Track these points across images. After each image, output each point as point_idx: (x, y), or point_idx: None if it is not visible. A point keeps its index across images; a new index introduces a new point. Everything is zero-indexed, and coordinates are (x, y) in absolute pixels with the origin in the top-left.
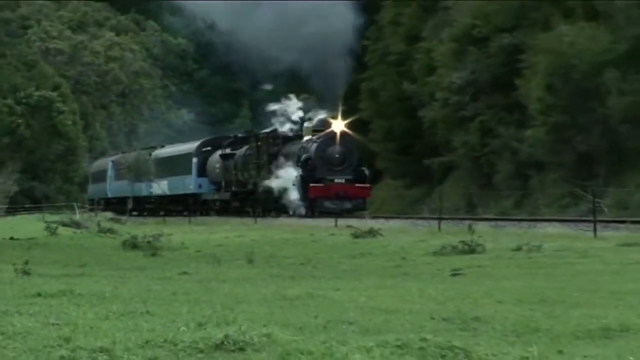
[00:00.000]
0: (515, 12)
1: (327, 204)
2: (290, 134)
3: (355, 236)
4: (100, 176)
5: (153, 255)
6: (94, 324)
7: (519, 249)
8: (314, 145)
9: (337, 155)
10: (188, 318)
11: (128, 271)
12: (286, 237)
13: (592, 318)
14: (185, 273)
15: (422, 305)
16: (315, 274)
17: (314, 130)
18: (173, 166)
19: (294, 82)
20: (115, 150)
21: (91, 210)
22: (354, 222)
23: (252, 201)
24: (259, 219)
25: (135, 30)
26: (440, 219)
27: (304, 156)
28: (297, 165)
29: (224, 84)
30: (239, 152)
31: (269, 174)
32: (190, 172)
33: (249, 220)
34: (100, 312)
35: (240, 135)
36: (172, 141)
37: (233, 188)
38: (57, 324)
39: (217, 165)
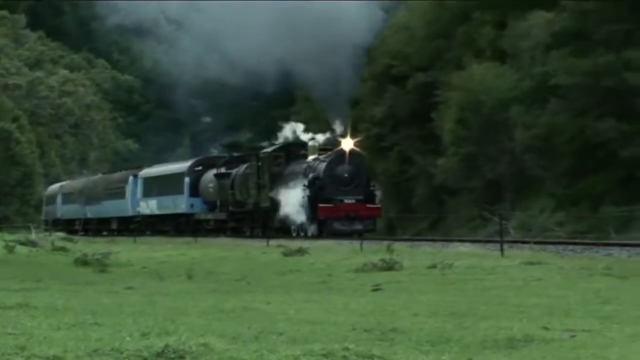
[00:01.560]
0: (430, 52)
1: (337, 225)
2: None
3: (285, 254)
4: (52, 200)
5: (102, 271)
6: (47, 334)
7: (433, 266)
8: (323, 165)
9: (346, 175)
10: (133, 328)
11: (79, 286)
12: (223, 254)
13: (499, 329)
14: (130, 288)
15: (345, 318)
16: (249, 289)
17: (321, 149)
18: (163, 186)
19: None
20: (67, 176)
21: (46, 230)
22: (283, 241)
23: (251, 221)
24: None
25: (87, 67)
26: (362, 239)
27: (311, 175)
28: (304, 185)
29: (166, 116)
30: (235, 171)
31: (272, 193)
32: (181, 192)
33: (239, 240)
34: (53, 323)
35: (236, 154)
36: (119, 168)
37: (230, 208)
38: (14, 334)
39: (211, 185)
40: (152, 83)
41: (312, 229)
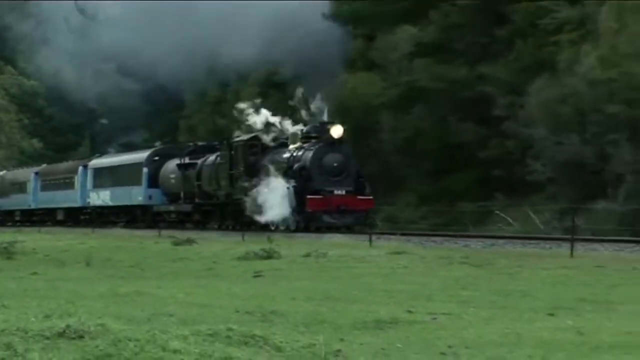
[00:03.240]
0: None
1: (327, 218)
2: (272, 143)
3: (175, 244)
4: None
5: (8, 258)
6: None
7: (308, 255)
8: (309, 153)
9: (335, 164)
10: (37, 311)
11: None
12: (119, 244)
13: (368, 312)
14: (35, 273)
15: (229, 301)
16: (142, 275)
17: (305, 137)
18: (117, 176)
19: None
20: None
21: None
22: (175, 232)
23: (222, 214)
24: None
25: None
26: (243, 231)
27: (296, 165)
28: (288, 176)
29: (68, 119)
30: (201, 161)
31: (248, 184)
32: (138, 183)
33: (133, 232)
34: None
35: (201, 143)
36: (24, 165)
37: (196, 200)
38: None
39: (173, 176)
40: (55, 89)
41: (293, 223)
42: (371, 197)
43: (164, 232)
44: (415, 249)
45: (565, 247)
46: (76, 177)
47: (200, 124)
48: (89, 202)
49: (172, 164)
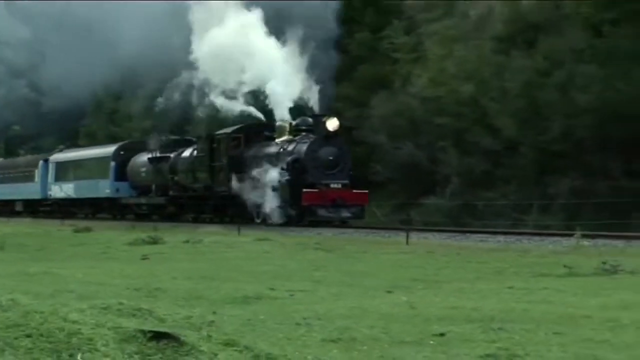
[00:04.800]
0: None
1: (322, 212)
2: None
3: (76, 231)
4: None
5: None
6: None
7: (187, 241)
8: (303, 146)
9: (331, 157)
10: None
11: None
12: (29, 231)
13: (237, 289)
14: None
15: (121, 280)
16: (48, 257)
17: (296, 130)
18: (81, 169)
19: None
20: None
21: None
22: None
23: (200, 207)
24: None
25: None
26: (135, 221)
27: (290, 158)
28: (282, 169)
29: None
30: (175, 154)
31: (232, 177)
32: (104, 176)
33: (40, 220)
34: None
35: (173, 137)
36: None
37: (170, 192)
38: None
39: (144, 169)
40: None
41: (282, 216)
42: (366, 192)
43: (131, 224)
44: (276, 237)
45: (402, 236)
46: (36, 171)
47: (99, 130)
48: (50, 195)
49: (141, 158)
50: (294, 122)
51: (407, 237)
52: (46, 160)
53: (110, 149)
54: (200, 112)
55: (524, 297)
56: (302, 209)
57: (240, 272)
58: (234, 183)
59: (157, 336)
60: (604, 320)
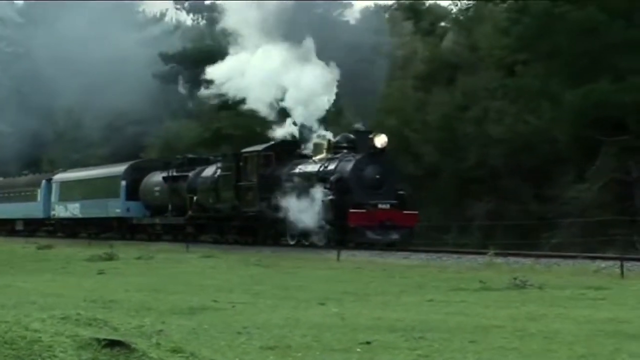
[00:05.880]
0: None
1: (371, 235)
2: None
3: (39, 248)
4: None
5: None
6: None
7: (140, 258)
8: (348, 164)
9: (378, 176)
10: None
11: None
12: None
13: (184, 301)
14: None
15: (79, 293)
16: (11, 272)
17: (336, 147)
18: (89, 189)
19: None
20: None
21: None
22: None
23: (225, 228)
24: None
25: None
26: (90, 239)
27: (333, 177)
28: (325, 187)
29: None
30: (193, 174)
31: (264, 197)
32: (114, 195)
33: (7, 238)
34: None
35: (190, 156)
36: None
37: (190, 213)
38: None
39: (158, 189)
40: None
41: (323, 238)
42: (416, 212)
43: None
44: (221, 254)
45: (333, 254)
46: (39, 190)
47: (62, 158)
48: (53, 214)
49: (154, 177)
50: (333, 139)
51: (338, 254)
52: (49, 180)
53: (120, 168)
54: (154, 138)
55: (442, 309)
56: (347, 230)
57: (187, 285)
58: (265, 203)
59: (111, 344)
60: (514, 330)
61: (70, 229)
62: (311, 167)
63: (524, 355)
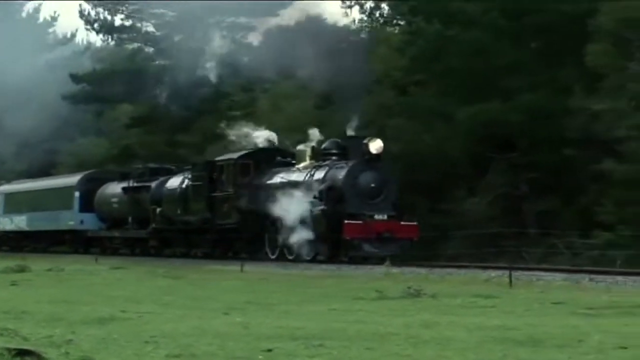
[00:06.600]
0: (60, 127)
1: (367, 248)
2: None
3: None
4: None
5: None
6: None
7: (51, 269)
8: (340, 172)
9: (373, 185)
10: None
11: None
12: None
13: (94, 312)
14: None
15: None
16: None
17: (325, 154)
18: (37, 201)
19: None
20: None
21: None
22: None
23: (195, 241)
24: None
25: None
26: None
27: (323, 185)
28: (314, 197)
29: None
30: (156, 184)
31: (239, 208)
32: (67, 207)
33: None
34: None
35: (152, 165)
36: None
37: (153, 225)
38: None
39: (116, 200)
40: None
41: (311, 251)
42: (415, 224)
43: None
44: (130, 265)
45: (237, 265)
46: None
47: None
48: None
49: (111, 188)
50: (321, 146)
51: (242, 266)
52: None
53: (73, 179)
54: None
55: (341, 317)
56: (341, 243)
57: (97, 296)
58: (242, 215)
59: (22, 353)
60: (408, 337)
61: (17, 242)
62: (296, 176)
63: None
